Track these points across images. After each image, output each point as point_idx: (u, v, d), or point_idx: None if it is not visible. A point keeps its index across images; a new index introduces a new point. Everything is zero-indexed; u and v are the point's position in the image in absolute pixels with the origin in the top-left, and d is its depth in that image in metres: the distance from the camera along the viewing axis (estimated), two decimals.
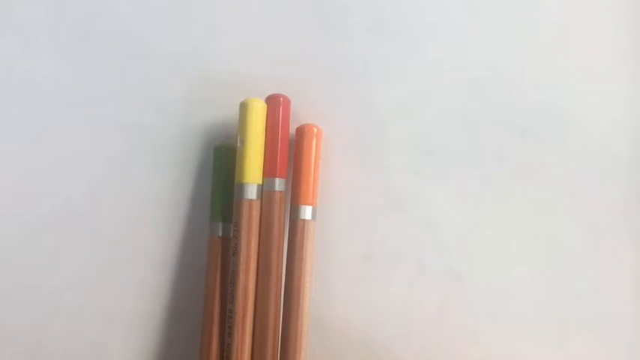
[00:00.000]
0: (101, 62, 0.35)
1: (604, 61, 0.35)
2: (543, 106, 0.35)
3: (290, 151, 0.34)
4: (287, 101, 0.33)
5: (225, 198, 0.33)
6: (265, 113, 0.33)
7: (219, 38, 0.35)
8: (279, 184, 0.33)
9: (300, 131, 0.34)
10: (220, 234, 0.33)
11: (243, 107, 0.33)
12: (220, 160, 0.34)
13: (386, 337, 0.33)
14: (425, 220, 0.34)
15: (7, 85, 0.35)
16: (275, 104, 0.33)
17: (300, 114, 0.34)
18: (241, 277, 0.32)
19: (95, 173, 0.35)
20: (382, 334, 0.33)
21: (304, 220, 0.33)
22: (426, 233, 0.34)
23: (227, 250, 0.33)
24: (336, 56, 0.35)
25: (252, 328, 0.32)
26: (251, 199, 0.32)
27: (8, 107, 0.35)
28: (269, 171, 0.33)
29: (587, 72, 0.35)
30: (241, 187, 0.32)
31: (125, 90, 0.35)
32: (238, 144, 0.33)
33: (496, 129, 0.35)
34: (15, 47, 0.35)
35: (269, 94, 0.34)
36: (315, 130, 0.34)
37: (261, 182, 0.33)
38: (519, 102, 0.35)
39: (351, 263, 0.34)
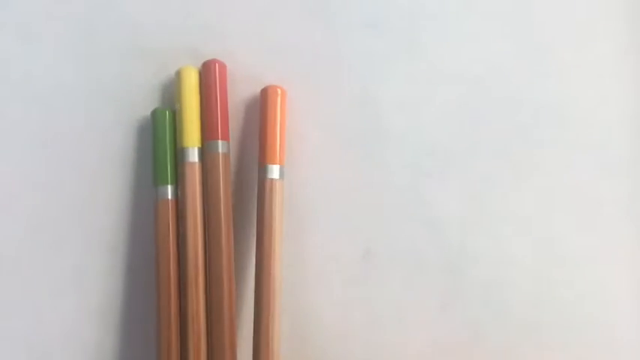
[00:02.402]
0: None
1: (605, 57, 0.34)
2: (544, 101, 0.34)
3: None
4: (222, 66, 0.33)
5: (169, 161, 0.33)
6: (198, 79, 0.33)
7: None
8: (221, 146, 0.32)
9: (264, 92, 0.33)
10: (169, 197, 0.33)
11: (178, 75, 0.33)
12: (158, 123, 0.33)
13: (385, 336, 0.32)
14: (425, 217, 0.34)
15: None
16: (210, 70, 0.33)
17: (298, 107, 0.34)
18: (190, 239, 0.31)
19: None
20: (381, 333, 0.32)
21: (272, 180, 0.32)
22: (426, 231, 0.34)
23: (176, 212, 0.33)
24: (335, 52, 0.35)
25: (206, 287, 0.31)
26: (192, 162, 0.32)
27: None
28: (209, 134, 0.32)
29: (588, 67, 0.34)
30: (182, 150, 0.32)
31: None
32: (177, 108, 0.33)
33: (496, 125, 0.34)
34: None
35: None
36: (279, 90, 0.33)
37: (200, 145, 0.33)
38: (520, 98, 0.34)
39: (350, 261, 0.34)
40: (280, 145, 0.33)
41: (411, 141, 0.34)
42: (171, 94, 0.34)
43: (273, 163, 0.32)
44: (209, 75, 0.33)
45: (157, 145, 0.33)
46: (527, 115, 0.34)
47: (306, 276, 0.33)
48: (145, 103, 0.34)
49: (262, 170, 0.33)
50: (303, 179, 0.34)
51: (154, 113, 0.33)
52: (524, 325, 0.33)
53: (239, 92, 0.34)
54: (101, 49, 0.34)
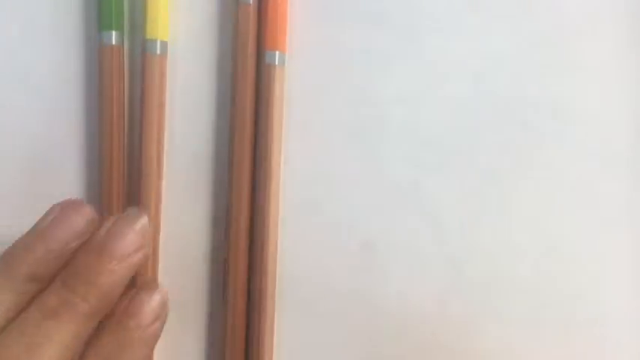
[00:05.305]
0: None
1: (606, 53, 0.33)
2: (545, 97, 0.33)
3: None
4: None
5: (113, 4, 0.31)
6: None
7: None
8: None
9: None
10: (113, 42, 0.31)
11: None
12: None
13: (385, 330, 0.32)
14: (425, 212, 0.33)
15: None
16: None
17: (297, 101, 0.32)
18: None
19: None
20: (381, 328, 0.32)
21: (269, 65, 0.30)
22: (426, 226, 0.33)
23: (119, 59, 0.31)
24: (336, 45, 0.33)
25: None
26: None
27: None
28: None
29: (589, 63, 0.33)
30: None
31: None
32: None
33: (497, 121, 0.33)
34: None
35: None
36: None
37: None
38: (521, 93, 0.33)
39: (348, 252, 0.32)
40: (280, 30, 0.31)
41: (412, 135, 0.33)
42: None
43: (273, 50, 0.31)
44: None
45: None
46: (528, 111, 0.33)
47: None
48: None
49: (261, 55, 0.31)
50: None
51: None
52: (524, 321, 0.33)
53: None
54: None
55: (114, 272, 0.25)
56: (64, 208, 0.26)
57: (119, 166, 0.31)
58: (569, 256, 0.33)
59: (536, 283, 0.33)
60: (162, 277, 0.31)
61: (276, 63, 0.31)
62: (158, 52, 0.31)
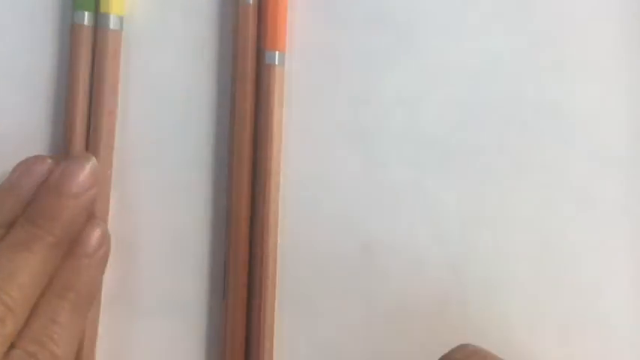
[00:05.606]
0: None
1: (606, 54, 0.34)
2: (544, 98, 0.33)
3: None
4: None
5: None
6: None
7: None
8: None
9: None
10: (85, 22, 0.31)
11: None
12: None
13: (385, 330, 0.32)
14: (425, 212, 0.33)
15: None
16: None
17: (297, 101, 0.32)
18: None
19: None
20: (381, 327, 0.32)
21: (269, 65, 0.30)
22: (426, 226, 0.33)
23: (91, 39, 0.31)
24: (336, 45, 0.33)
25: None
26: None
27: None
28: None
29: (588, 64, 0.34)
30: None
31: None
32: None
33: (496, 121, 0.33)
34: None
35: None
36: None
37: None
38: (520, 93, 0.33)
39: (348, 251, 0.32)
40: (280, 31, 0.31)
41: (412, 135, 0.33)
42: None
43: (273, 50, 0.31)
44: None
45: None
46: (527, 112, 0.33)
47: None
48: None
49: (261, 55, 0.31)
50: None
51: None
52: (524, 321, 0.33)
53: None
54: None
55: (73, 207, 0.29)
56: (28, 163, 0.30)
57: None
58: (569, 256, 0.33)
59: (536, 283, 0.33)
60: (162, 276, 0.31)
61: (276, 63, 0.31)
62: (112, 26, 0.31)
